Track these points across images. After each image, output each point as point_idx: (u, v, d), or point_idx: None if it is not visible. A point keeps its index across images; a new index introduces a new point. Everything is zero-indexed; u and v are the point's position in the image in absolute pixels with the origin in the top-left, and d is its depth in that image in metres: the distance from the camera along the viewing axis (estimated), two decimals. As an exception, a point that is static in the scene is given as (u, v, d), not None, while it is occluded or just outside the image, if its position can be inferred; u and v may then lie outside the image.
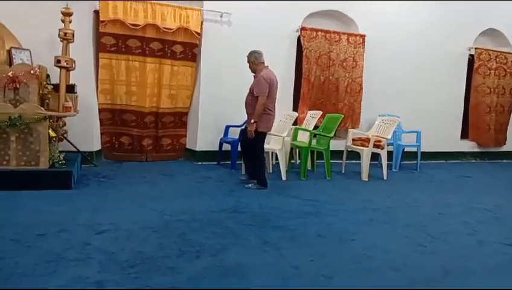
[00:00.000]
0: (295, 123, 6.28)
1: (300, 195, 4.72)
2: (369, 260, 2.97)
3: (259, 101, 4.60)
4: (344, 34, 6.78)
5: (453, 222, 4.05)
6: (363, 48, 6.83)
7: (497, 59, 7.97)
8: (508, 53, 8.05)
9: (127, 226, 3.33)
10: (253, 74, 4.80)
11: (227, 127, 6.14)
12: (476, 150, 8.18)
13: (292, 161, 6.33)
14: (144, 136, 6.02)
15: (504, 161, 8.36)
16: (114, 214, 3.66)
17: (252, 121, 4.66)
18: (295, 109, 6.67)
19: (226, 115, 6.12)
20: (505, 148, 8.40)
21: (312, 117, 6.25)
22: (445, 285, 2.64)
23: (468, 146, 8.13)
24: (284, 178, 5.39)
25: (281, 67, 6.27)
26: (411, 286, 2.59)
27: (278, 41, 6.40)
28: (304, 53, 6.59)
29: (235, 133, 6.01)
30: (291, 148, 6.06)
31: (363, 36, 6.81)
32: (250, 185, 4.85)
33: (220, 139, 6.09)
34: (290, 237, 3.35)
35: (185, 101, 6.23)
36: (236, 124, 6.00)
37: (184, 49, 6.01)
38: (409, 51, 7.23)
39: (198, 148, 6.19)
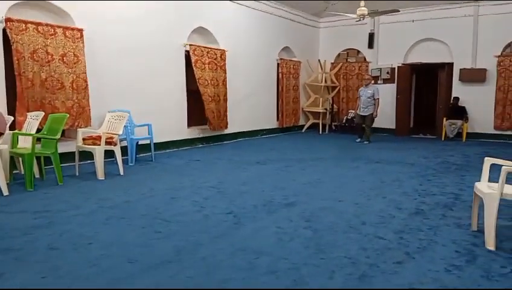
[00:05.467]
0: (13, 128, 5.55)
1: (28, 208, 4.22)
2: (106, 259, 2.97)
3: None
4: (59, 27, 6.32)
5: (184, 203, 4.49)
6: (83, 42, 6.55)
7: (209, 54, 9.12)
8: (217, 49, 9.32)
9: None
10: None
11: None
12: (202, 135, 9.23)
13: (16, 171, 5.58)
14: None
15: (225, 142, 9.75)
16: None
17: None
18: (11, 112, 5.84)
19: None
20: (226, 131, 9.79)
21: (33, 119, 5.62)
22: (179, 263, 2.92)
23: (195, 133, 9.08)
24: (5, 193, 4.68)
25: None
26: (146, 272, 2.75)
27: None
28: (13, 47, 5.81)
29: None
30: (12, 157, 5.32)
31: (80, 30, 6.51)
32: None
33: None
34: (15, 258, 2.97)
35: None
36: None
37: None
38: (133, 46, 7.41)
39: None
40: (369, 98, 9.69)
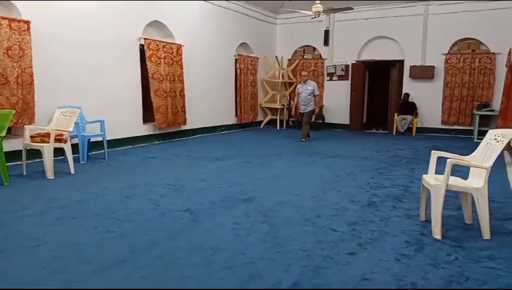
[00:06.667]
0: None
1: (-31, 210, 3.98)
2: (56, 261, 2.85)
3: None
4: (4, 19, 5.96)
5: (139, 201, 4.38)
6: (29, 35, 6.22)
7: (165, 49, 8.94)
8: (173, 44, 9.16)
9: None
10: None
11: None
12: (158, 132, 9.05)
13: (-45, 171, 5.22)
14: None
15: (184, 138, 9.63)
16: None
17: None
18: (-51, 107, 5.47)
19: None
20: (184, 127, 9.65)
21: (-25, 116, 5.29)
22: (133, 262, 2.86)
23: (151, 129, 8.89)
24: None
25: None
26: (99, 273, 2.67)
27: None
28: (-49, 39, 5.44)
29: None
30: (-49, 156, 4.98)
31: (27, 22, 6.17)
32: None
33: None
34: (-46, 264, 2.79)
35: None
36: None
37: None
38: (85, 39, 7.12)
39: None
40: (309, 94, 9.42)
